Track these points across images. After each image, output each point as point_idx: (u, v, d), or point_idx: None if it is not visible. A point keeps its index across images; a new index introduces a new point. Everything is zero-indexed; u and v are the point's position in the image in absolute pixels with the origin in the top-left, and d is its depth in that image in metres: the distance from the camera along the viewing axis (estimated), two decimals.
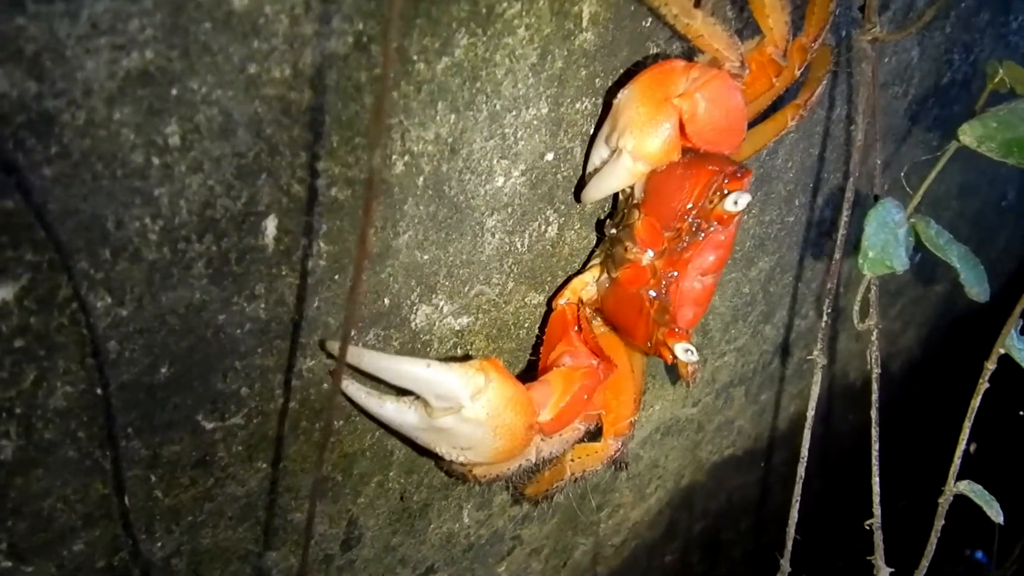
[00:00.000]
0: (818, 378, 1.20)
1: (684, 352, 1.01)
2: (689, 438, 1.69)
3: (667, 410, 1.57)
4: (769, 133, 1.08)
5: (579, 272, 1.13)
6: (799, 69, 1.03)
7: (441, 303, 1.02)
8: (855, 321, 1.13)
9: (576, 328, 1.04)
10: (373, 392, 0.92)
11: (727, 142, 0.96)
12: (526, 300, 1.12)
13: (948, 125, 1.81)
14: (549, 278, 1.13)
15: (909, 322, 2.19)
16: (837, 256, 1.18)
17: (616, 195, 1.08)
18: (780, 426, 1.95)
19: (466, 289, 1.03)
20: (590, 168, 1.03)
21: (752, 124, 1.12)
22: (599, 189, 1.00)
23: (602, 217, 1.13)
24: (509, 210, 1.02)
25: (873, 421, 1.18)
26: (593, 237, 1.14)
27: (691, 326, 1.02)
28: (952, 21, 1.66)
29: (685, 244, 0.98)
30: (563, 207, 1.09)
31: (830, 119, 1.45)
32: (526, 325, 1.15)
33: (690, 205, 0.96)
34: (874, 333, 1.14)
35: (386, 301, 0.95)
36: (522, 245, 1.06)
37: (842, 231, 1.14)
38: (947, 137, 1.17)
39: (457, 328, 1.06)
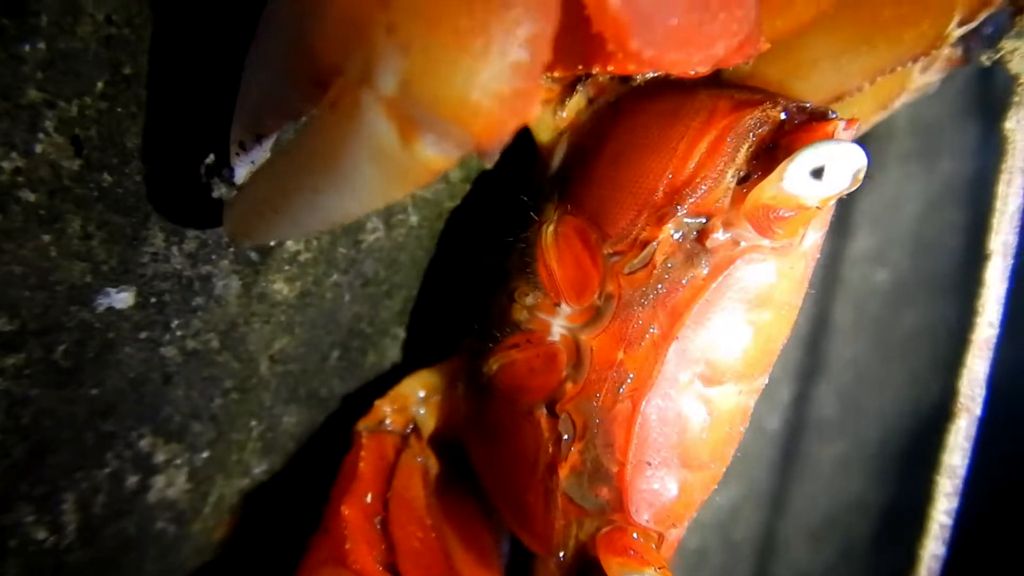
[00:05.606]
0: None
1: None
2: None
3: None
4: (879, 97, 0.47)
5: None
6: None
7: None
8: None
9: (369, 498, 0.40)
10: None
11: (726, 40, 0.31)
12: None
13: None
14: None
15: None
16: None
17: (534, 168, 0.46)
18: None
19: None
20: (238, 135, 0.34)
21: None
22: (270, 220, 0.30)
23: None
24: None
25: None
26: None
27: (674, 522, 0.37)
28: None
29: (662, 289, 0.36)
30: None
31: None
32: None
33: (685, 177, 0.35)
34: None
35: None
36: None
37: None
38: None
39: None
